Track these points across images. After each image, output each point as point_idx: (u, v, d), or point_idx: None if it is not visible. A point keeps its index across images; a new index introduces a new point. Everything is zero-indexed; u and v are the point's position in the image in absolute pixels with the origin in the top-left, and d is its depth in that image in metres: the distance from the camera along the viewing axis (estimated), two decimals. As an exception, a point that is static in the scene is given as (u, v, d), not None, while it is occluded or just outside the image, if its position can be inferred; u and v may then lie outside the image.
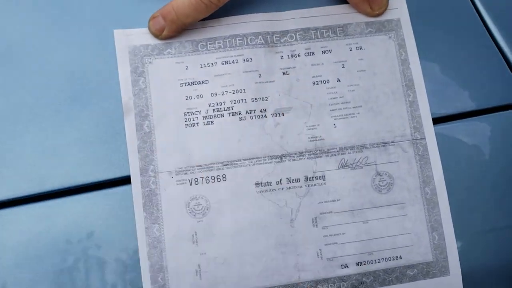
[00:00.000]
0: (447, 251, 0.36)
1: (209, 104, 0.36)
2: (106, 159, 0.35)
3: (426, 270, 0.36)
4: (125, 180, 0.35)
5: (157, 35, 0.36)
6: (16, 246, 0.34)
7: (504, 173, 0.37)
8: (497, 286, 0.37)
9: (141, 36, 0.36)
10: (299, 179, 0.36)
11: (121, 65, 0.36)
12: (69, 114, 0.35)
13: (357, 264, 0.35)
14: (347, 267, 0.35)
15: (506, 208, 0.37)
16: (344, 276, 0.35)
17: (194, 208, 0.35)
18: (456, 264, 0.36)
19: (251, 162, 0.36)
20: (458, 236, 0.36)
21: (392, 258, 0.36)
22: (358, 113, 0.37)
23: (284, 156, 0.36)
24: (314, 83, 0.37)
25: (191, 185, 0.35)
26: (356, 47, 0.38)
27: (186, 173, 0.35)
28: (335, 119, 0.37)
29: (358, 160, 0.36)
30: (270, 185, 0.36)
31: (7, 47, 0.36)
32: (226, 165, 0.36)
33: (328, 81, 0.37)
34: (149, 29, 0.36)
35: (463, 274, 0.36)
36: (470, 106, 0.38)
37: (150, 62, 0.36)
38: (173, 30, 0.36)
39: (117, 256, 0.34)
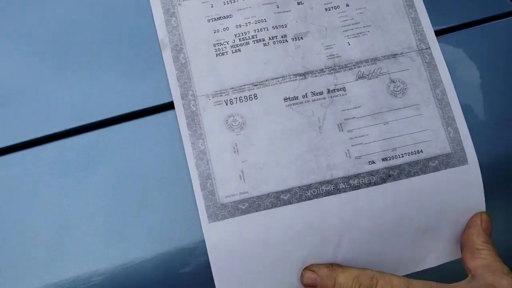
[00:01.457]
0: (463, 143, 0.40)
1: (235, 35, 0.41)
2: (150, 89, 0.40)
3: (446, 161, 0.40)
4: (168, 106, 0.40)
5: None
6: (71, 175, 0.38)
7: (506, 69, 0.41)
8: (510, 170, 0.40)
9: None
10: (322, 92, 0.40)
11: (154, 8, 0.41)
12: (114, 52, 0.40)
13: (383, 160, 0.39)
14: (374, 163, 0.39)
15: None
16: (373, 171, 0.39)
17: (232, 124, 0.39)
18: (472, 154, 0.40)
19: (278, 81, 0.40)
20: (471, 129, 0.40)
21: (414, 153, 0.40)
22: (368, 31, 0.42)
23: (307, 74, 0.41)
24: (326, 9, 0.42)
25: (226, 105, 0.40)
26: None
27: (221, 95, 0.40)
28: (349, 38, 0.41)
29: (373, 71, 0.41)
30: (297, 99, 0.40)
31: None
32: (256, 85, 0.40)
33: (338, 7, 0.42)
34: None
35: (480, 162, 0.40)
36: (468, 17, 0.43)
37: (179, 4, 0.41)
38: None
39: (169, 168, 0.38)
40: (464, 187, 0.39)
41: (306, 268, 0.37)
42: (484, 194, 0.40)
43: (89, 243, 0.37)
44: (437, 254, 0.40)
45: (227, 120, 0.39)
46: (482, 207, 0.40)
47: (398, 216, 0.39)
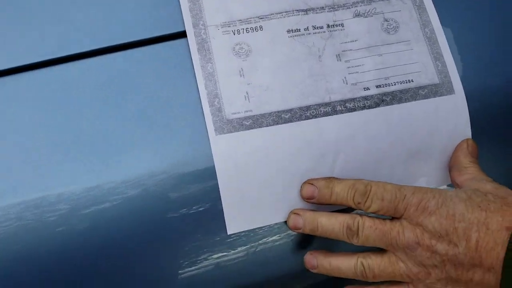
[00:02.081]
0: (450, 75, 0.44)
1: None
2: (164, 18, 0.43)
3: (435, 90, 0.43)
4: (181, 35, 0.44)
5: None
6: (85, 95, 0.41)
7: (491, 9, 0.45)
8: (496, 101, 0.44)
9: None
10: (322, 26, 0.44)
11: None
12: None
13: (377, 87, 0.43)
14: (369, 89, 0.43)
15: (497, 36, 0.45)
16: (367, 96, 0.43)
17: (238, 51, 0.43)
18: (459, 85, 0.44)
19: (282, 15, 0.44)
20: (458, 64, 0.44)
21: (405, 82, 0.43)
22: (364, -23, 0.46)
23: (308, 10, 0.45)
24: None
25: (234, 34, 0.43)
26: None
27: (229, 26, 0.44)
28: (346, -19, 0.46)
29: (369, 11, 0.45)
30: (299, 31, 0.44)
31: None
32: (262, 18, 0.44)
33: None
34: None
35: (466, 94, 0.43)
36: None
37: None
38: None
39: (180, 92, 0.42)
40: (451, 115, 0.43)
41: (305, 182, 0.40)
42: (470, 123, 0.43)
43: (106, 156, 0.40)
44: (427, 179, 0.43)
45: (234, 47, 0.43)
46: (468, 134, 0.43)
47: (390, 137, 0.42)
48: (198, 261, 0.41)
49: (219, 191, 0.40)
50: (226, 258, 0.41)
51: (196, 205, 0.40)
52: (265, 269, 0.43)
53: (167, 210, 0.39)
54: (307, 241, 0.42)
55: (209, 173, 0.40)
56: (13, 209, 0.37)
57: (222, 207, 0.40)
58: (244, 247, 0.42)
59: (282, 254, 0.43)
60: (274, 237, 0.43)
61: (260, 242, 0.42)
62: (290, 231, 0.41)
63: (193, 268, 0.41)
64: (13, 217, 0.38)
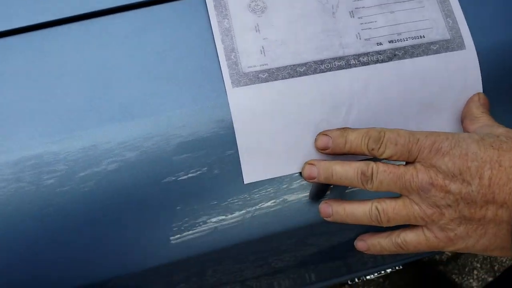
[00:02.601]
0: (461, 32, 0.45)
1: None
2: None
3: (446, 45, 0.44)
4: (197, -8, 0.45)
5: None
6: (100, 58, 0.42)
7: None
8: (508, 56, 0.45)
9: None
10: (335, -15, 0.45)
11: None
12: None
13: (389, 42, 0.44)
14: (381, 44, 0.44)
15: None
16: (380, 51, 0.44)
17: (254, 8, 0.44)
18: (470, 41, 0.44)
19: (296, -26, 0.45)
20: (469, 20, 0.45)
21: (417, 37, 0.44)
22: None
23: (321, -30, 0.46)
24: None
25: (250, -8, 0.45)
26: None
27: (245, -16, 0.45)
28: None
29: (380, -30, 0.46)
30: (313, -11, 0.45)
31: None
32: (276, -23, 0.45)
33: None
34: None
35: (477, 50, 0.44)
36: None
37: None
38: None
39: (196, 43, 0.43)
40: (462, 70, 0.44)
41: (320, 133, 0.41)
42: (481, 78, 0.44)
43: (130, 104, 0.41)
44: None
45: (250, 4, 0.44)
46: (480, 89, 0.44)
47: (403, 90, 0.43)
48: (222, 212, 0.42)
49: (236, 142, 0.41)
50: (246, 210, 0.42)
51: (212, 156, 0.41)
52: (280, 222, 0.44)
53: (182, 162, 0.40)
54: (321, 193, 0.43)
55: (227, 124, 0.41)
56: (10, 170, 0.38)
57: (239, 157, 0.41)
58: (259, 199, 0.43)
59: (297, 208, 0.44)
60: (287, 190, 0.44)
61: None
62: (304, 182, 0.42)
63: (218, 218, 0.42)
64: (11, 177, 0.38)
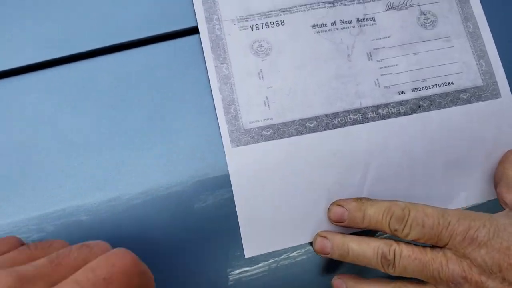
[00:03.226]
0: (495, 76, 0.39)
1: (263, -39, 0.40)
2: (174, 12, 0.38)
3: (478, 94, 0.38)
4: (193, 31, 0.38)
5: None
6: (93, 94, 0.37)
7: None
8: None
9: None
10: (351, 20, 0.39)
11: None
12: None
13: (413, 90, 0.38)
14: (404, 93, 0.38)
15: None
16: (402, 101, 0.38)
17: (257, 49, 0.38)
18: (506, 87, 0.38)
19: (306, 7, 0.39)
20: (504, 62, 0.39)
21: (444, 84, 0.38)
22: (398, -38, 0.40)
23: (336, 2, 0.39)
24: None
25: (252, 30, 0.38)
26: None
27: (247, 20, 0.38)
28: (378, -32, 0.40)
29: (403, 2, 0.40)
30: (326, 26, 0.39)
31: None
32: (283, 11, 0.39)
33: None
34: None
35: (513, 97, 0.38)
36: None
37: None
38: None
39: (192, 92, 0.37)
40: (496, 122, 0.38)
41: (333, 203, 0.36)
42: (517, 130, 0.38)
43: (113, 168, 0.35)
44: (468, 193, 0.39)
45: (252, 45, 0.38)
46: (515, 142, 0.38)
47: (427, 146, 0.37)
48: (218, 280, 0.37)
49: (235, 210, 0.35)
50: (246, 274, 0.37)
51: (210, 225, 0.36)
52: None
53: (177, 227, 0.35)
54: (334, 261, 0.38)
55: (226, 191, 0.35)
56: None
57: (239, 228, 0.35)
58: (265, 262, 0.38)
59: (306, 273, 0.39)
60: (296, 254, 0.38)
61: (283, 256, 0.38)
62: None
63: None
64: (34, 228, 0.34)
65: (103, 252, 0.23)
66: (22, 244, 0.25)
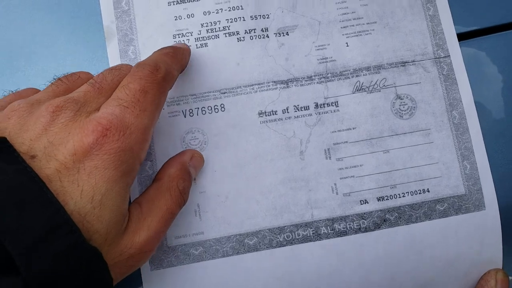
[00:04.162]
0: (481, 182, 0.31)
1: (202, 24, 0.32)
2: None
3: (458, 205, 0.31)
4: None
5: None
6: None
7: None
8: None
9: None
10: (308, 106, 0.31)
11: (100, -16, 0.32)
12: (46, 44, 0.31)
13: (378, 200, 0.31)
14: (367, 202, 0.31)
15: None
16: (364, 213, 0.31)
17: (190, 143, 0.30)
18: (492, 197, 0.31)
19: (253, 88, 0.31)
20: (493, 165, 0.32)
21: (418, 192, 0.31)
22: (373, 29, 0.32)
23: (291, 81, 0.31)
24: (321, -3, 0.32)
25: (185, 117, 0.31)
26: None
27: (178, 104, 0.31)
28: (347, 37, 0.32)
29: (375, 83, 0.32)
30: (276, 114, 0.31)
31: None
32: (224, 93, 0.31)
33: (337, -5, 0.32)
34: None
35: (500, 208, 0.31)
36: (500, 19, 0.33)
37: (133, -19, 0.32)
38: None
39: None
40: (477, 238, 0.31)
41: None
42: (502, 246, 0.31)
43: None
44: (438, 318, 0.32)
45: (184, 137, 0.30)
46: (499, 263, 0.32)
47: (391, 270, 0.31)
48: None
49: None
50: None
51: None
52: None
53: None
54: None
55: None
56: None
57: None
58: None
59: None
60: None
61: None
62: None
63: None
64: None
65: (129, 71, 0.26)
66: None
